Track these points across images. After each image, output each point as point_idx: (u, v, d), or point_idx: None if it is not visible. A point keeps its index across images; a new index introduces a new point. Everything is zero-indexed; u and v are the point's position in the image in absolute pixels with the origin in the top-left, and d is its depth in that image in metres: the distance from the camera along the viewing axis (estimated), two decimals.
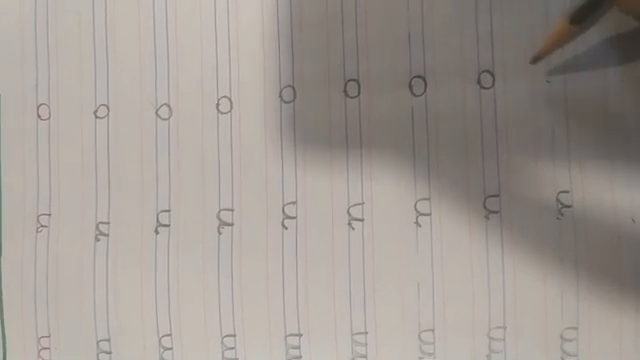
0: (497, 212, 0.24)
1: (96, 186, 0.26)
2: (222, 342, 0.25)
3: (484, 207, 0.24)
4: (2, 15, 0.27)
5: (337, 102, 0.25)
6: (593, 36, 0.23)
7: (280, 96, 0.25)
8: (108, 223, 0.26)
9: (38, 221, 0.27)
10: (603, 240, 0.23)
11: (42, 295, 0.26)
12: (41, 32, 0.27)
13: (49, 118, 0.27)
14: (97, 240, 0.26)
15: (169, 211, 0.26)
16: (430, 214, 0.24)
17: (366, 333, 0.25)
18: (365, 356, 0.25)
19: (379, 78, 0.25)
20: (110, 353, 0.26)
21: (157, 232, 0.26)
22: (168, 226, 0.26)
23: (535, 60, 0.23)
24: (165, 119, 0.26)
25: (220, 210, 0.25)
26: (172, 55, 0.26)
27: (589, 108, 0.24)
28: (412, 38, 0.25)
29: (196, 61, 0.26)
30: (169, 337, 0.26)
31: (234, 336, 0.25)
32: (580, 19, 0.21)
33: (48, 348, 0.26)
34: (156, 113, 0.26)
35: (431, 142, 0.24)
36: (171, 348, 0.26)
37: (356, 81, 0.25)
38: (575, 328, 0.23)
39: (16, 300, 0.27)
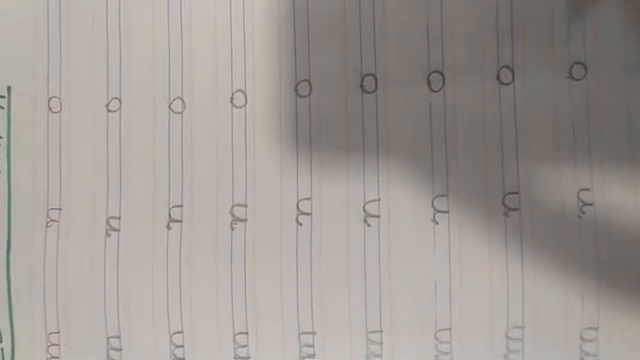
0: (516, 210, 0.24)
1: (107, 180, 0.26)
2: (234, 340, 0.26)
3: (503, 204, 0.24)
4: (14, 6, 0.27)
5: (354, 97, 0.25)
6: (615, 31, 0.24)
7: (296, 90, 0.25)
8: (119, 218, 0.26)
9: (48, 215, 0.27)
10: (625, 238, 0.23)
11: (51, 291, 0.27)
12: (53, 23, 0.27)
13: (60, 111, 0.27)
14: (108, 235, 0.26)
15: (181, 206, 0.26)
16: (448, 211, 0.24)
17: (381, 332, 0.25)
18: (380, 355, 0.25)
19: (397, 73, 0.25)
20: (120, 350, 0.26)
21: (169, 228, 0.26)
22: (180, 222, 0.26)
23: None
24: (178, 113, 0.26)
25: (233, 206, 0.26)
26: (186, 47, 0.26)
27: (611, 104, 0.24)
28: (430, 32, 0.25)
29: (210, 54, 0.26)
30: (180, 334, 0.26)
31: (246, 334, 0.25)
32: None
33: (57, 344, 0.27)
34: (169, 107, 0.26)
35: (449, 138, 0.25)
36: (182, 345, 0.26)
37: (373, 76, 0.25)
38: (595, 329, 0.24)
39: (25, 295, 0.27)
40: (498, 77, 0.24)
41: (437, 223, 0.25)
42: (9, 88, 0.27)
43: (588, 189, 0.24)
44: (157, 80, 0.26)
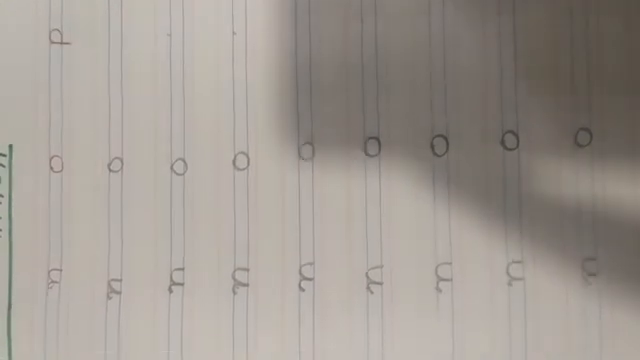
0: (521, 279, 0.24)
1: (108, 241, 0.27)
2: None
3: (507, 273, 0.24)
4: (16, 64, 0.27)
5: (357, 160, 0.25)
6: (622, 99, 0.24)
7: (299, 153, 0.26)
8: (120, 280, 0.26)
9: (49, 276, 0.27)
10: (630, 309, 0.23)
11: (52, 352, 0.27)
12: (55, 81, 0.27)
13: (62, 170, 0.27)
14: (109, 298, 0.26)
15: (183, 269, 0.26)
16: (451, 279, 0.25)
17: None
18: None
19: (400, 136, 0.25)
20: None
21: (171, 291, 0.26)
22: (182, 285, 0.26)
23: None
24: (180, 174, 0.26)
25: (235, 269, 0.26)
26: (188, 109, 0.26)
27: (616, 172, 0.24)
28: (434, 96, 0.25)
29: (212, 115, 0.26)
30: None
31: None
32: None
33: None
34: (171, 168, 0.26)
35: (452, 204, 0.25)
36: None
37: (376, 139, 0.25)
38: None
39: (26, 357, 0.27)
40: (502, 142, 0.25)
41: (440, 291, 0.25)
42: (11, 146, 0.27)
43: (593, 259, 0.24)
44: (159, 140, 0.27)
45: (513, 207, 0.24)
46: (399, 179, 0.25)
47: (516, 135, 0.25)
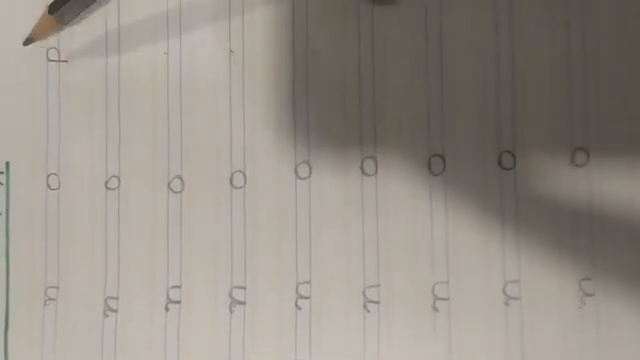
0: (517, 299, 0.24)
1: (105, 259, 0.27)
2: None
3: (504, 293, 0.24)
4: (14, 82, 0.28)
5: (354, 179, 0.25)
6: (619, 118, 0.24)
7: (295, 172, 0.26)
8: (117, 298, 0.26)
9: (46, 294, 0.27)
10: (626, 330, 0.24)
11: None
12: (52, 99, 0.27)
13: (59, 188, 0.27)
14: (105, 316, 0.27)
15: (180, 287, 0.26)
16: (448, 299, 0.25)
17: None
18: None
19: (396, 155, 0.25)
20: None
21: (167, 309, 0.26)
22: (179, 303, 0.26)
23: (27, 42, 0.27)
24: (177, 192, 0.26)
25: (232, 287, 0.26)
26: (185, 127, 0.26)
27: (614, 193, 0.24)
28: (431, 115, 0.25)
29: (210, 134, 0.26)
30: None
31: None
32: (56, 9, 0.26)
33: None
34: (168, 186, 0.26)
35: (449, 223, 0.25)
36: None
37: (373, 158, 0.25)
38: None
39: None
40: (499, 162, 0.25)
41: (437, 310, 0.25)
42: (8, 164, 0.28)
43: (589, 279, 0.24)
44: (156, 158, 0.27)
45: (510, 227, 0.24)
46: (396, 198, 0.25)
47: (513, 155, 0.25)
